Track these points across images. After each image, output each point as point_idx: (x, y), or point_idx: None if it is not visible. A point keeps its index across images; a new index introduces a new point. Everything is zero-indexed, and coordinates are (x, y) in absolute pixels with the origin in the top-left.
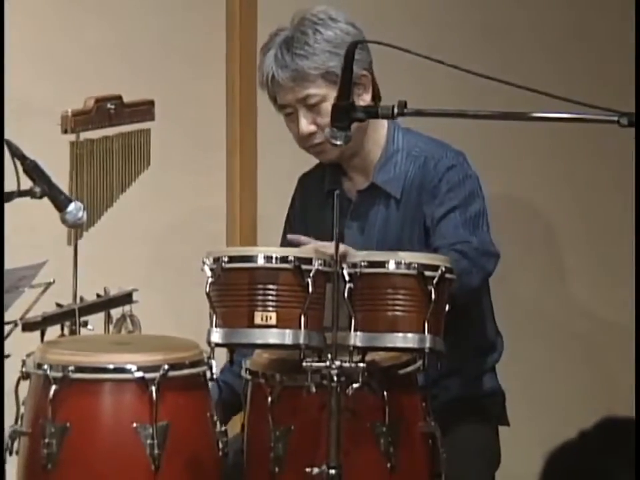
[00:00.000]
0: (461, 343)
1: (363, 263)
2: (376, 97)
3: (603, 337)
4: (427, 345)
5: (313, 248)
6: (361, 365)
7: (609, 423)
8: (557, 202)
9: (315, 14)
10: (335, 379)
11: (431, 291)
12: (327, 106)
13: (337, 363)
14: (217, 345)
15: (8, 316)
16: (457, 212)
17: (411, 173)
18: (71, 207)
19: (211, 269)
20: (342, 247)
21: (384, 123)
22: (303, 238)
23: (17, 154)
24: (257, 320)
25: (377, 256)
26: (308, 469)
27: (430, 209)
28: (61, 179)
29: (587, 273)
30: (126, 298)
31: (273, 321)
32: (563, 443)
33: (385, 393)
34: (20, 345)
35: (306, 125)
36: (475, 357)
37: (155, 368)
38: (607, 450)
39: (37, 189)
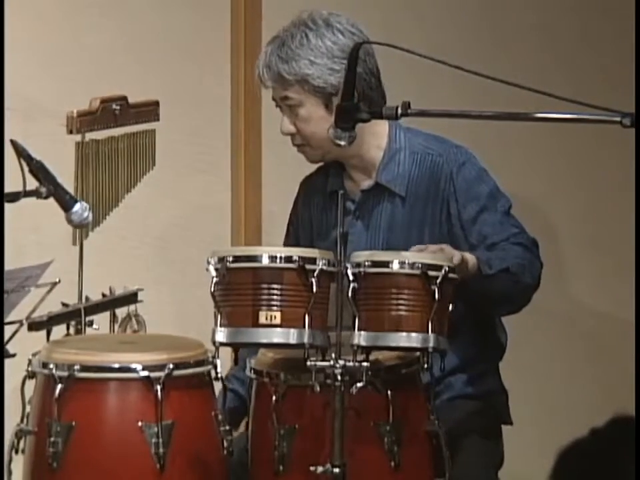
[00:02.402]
0: (465, 342)
1: (366, 263)
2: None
3: (607, 336)
4: (431, 344)
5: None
6: (365, 364)
7: (617, 420)
8: (560, 200)
9: (313, 18)
10: (339, 378)
11: (434, 290)
12: (304, 111)
13: (341, 362)
14: (222, 344)
15: (14, 315)
16: (490, 208)
17: (414, 170)
18: (77, 207)
19: (216, 269)
20: (458, 255)
21: (383, 123)
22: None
23: (23, 154)
24: (262, 319)
25: (381, 256)
26: (312, 468)
27: (454, 208)
28: (67, 179)
29: (591, 271)
30: (131, 297)
31: (277, 321)
32: (574, 441)
33: (389, 392)
34: (26, 344)
35: (286, 125)
36: (479, 355)
37: (160, 367)
38: (616, 447)
39: (43, 189)
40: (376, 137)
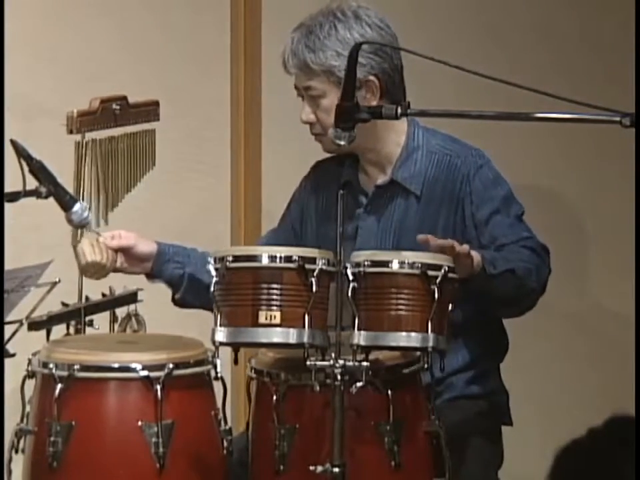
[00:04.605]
0: (470, 342)
1: (366, 262)
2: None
3: (607, 335)
4: (430, 344)
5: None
6: (365, 363)
7: (617, 421)
8: (561, 200)
9: (342, 9)
10: (339, 377)
11: (434, 290)
12: (326, 102)
13: (341, 361)
14: (222, 343)
15: (14, 315)
16: (502, 211)
17: (430, 170)
18: (77, 207)
19: (216, 269)
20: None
21: (403, 119)
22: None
23: (23, 154)
24: (261, 319)
25: (381, 255)
26: (312, 467)
27: (468, 210)
28: (67, 179)
29: (592, 271)
30: (131, 297)
31: (277, 320)
32: (573, 441)
33: (389, 391)
34: (26, 344)
35: (306, 114)
36: (482, 355)
37: (159, 367)
38: (616, 447)
39: (43, 189)
40: (395, 133)
